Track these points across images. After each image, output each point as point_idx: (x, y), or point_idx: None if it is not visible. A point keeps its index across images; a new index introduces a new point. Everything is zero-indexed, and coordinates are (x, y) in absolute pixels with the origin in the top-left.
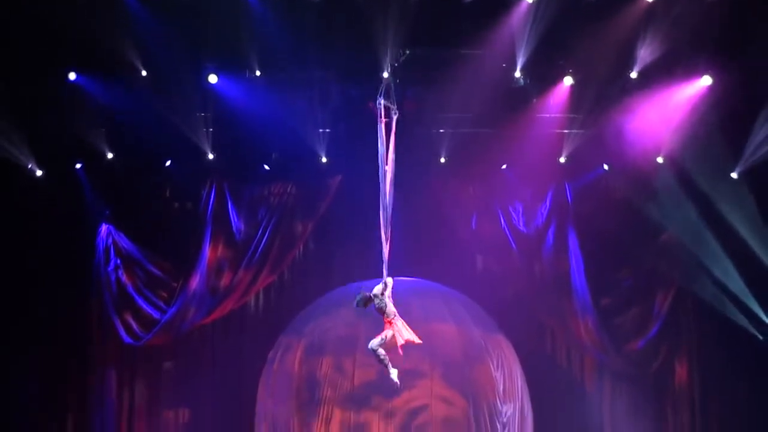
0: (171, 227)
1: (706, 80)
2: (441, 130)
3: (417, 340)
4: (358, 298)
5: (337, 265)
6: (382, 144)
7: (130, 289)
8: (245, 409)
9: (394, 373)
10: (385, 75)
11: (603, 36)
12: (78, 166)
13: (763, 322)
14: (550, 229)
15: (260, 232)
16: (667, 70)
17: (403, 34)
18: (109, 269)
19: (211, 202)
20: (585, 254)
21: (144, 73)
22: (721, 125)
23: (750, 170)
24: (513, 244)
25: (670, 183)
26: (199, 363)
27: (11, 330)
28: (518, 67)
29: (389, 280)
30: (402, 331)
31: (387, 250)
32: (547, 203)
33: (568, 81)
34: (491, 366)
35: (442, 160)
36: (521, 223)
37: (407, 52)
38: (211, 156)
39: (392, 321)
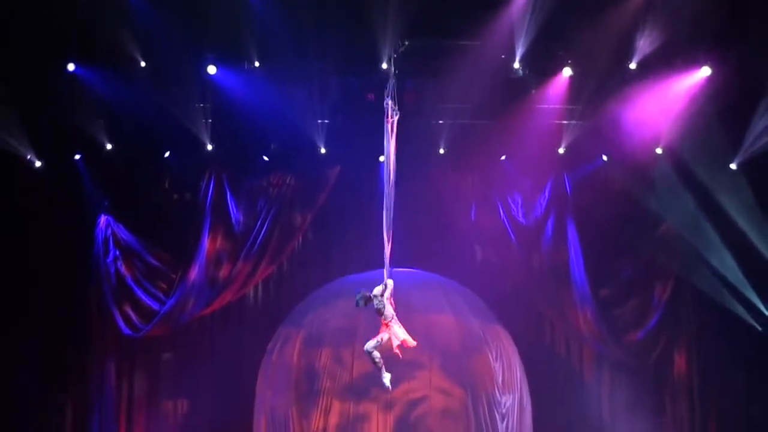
0: (170, 218)
1: (705, 71)
2: (440, 121)
3: (412, 343)
4: (358, 297)
5: (335, 256)
6: (389, 144)
7: (129, 280)
8: (244, 401)
9: (386, 378)
10: (384, 66)
11: (602, 27)
12: (77, 157)
13: (762, 312)
14: (549, 220)
15: (259, 223)
16: (666, 61)
17: (402, 24)
18: (108, 260)
19: (210, 193)
20: (584, 245)
21: (143, 64)
22: (720, 116)
23: (749, 161)
24: (512, 236)
25: (668, 174)
26: (198, 354)
27: (11, 321)
28: (517, 58)
29: (390, 282)
30: (398, 334)
31: (389, 251)
32: (546, 194)
33: (567, 72)
34: (490, 357)
35: (442, 151)
36: (520, 215)
37: (406, 42)
38: (210, 147)
39: (389, 324)
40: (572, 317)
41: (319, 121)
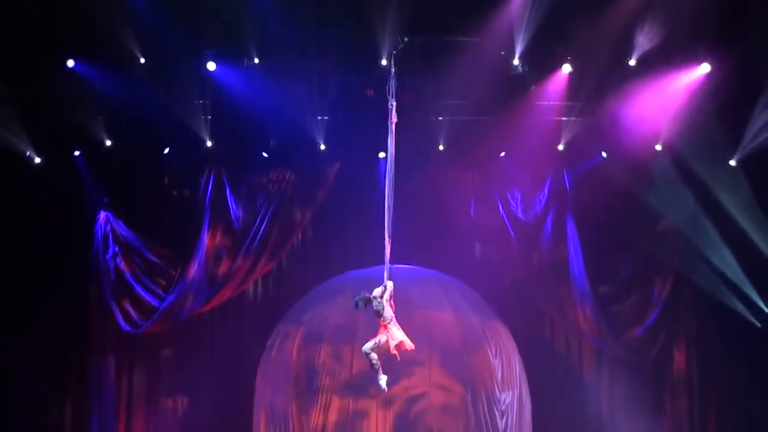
0: (169, 215)
1: (704, 68)
2: (440, 118)
3: (410, 346)
4: (357, 298)
5: (335, 253)
6: (392, 145)
7: (129, 276)
8: (243, 397)
9: (383, 380)
10: (384, 63)
11: (602, 23)
12: (76, 153)
13: (761, 309)
14: (548, 217)
15: (259, 219)
16: (666, 57)
17: (402, 21)
18: (108, 257)
19: (209, 190)
20: (583, 242)
21: (142, 60)
22: (720, 113)
23: (748, 158)
24: (511, 232)
25: (668, 171)
26: (197, 350)
27: (10, 318)
28: (517, 55)
29: (389, 284)
30: (396, 336)
31: (389, 251)
32: (546, 191)
33: (566, 68)
34: (489, 354)
35: (441, 147)
36: (520, 211)
37: (406, 39)
38: (209, 143)
39: (388, 326)
40: (572, 314)
41: (319, 117)
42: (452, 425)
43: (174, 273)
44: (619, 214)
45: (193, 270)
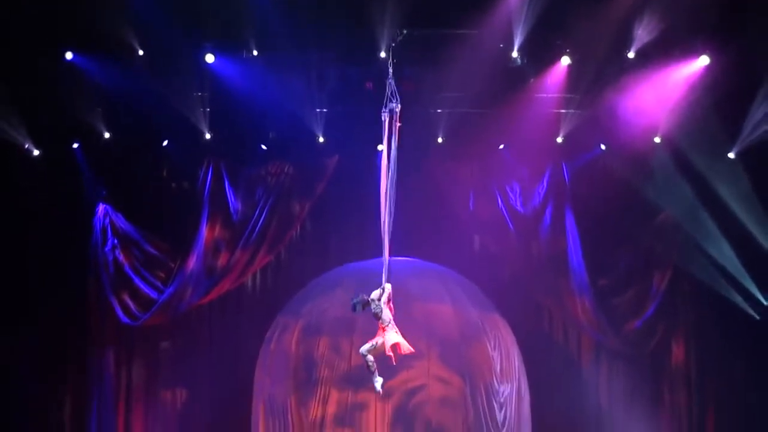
0: (168, 207)
1: (703, 60)
2: (438, 110)
3: (407, 349)
4: (355, 301)
5: (334, 246)
6: (394, 149)
7: (128, 269)
8: (242, 389)
9: (378, 382)
10: (383, 55)
11: (600, 15)
12: (75, 146)
13: (760, 301)
14: (547, 209)
15: (257, 212)
16: (665, 49)
17: (401, 14)
18: (106, 249)
19: (208, 182)
20: (582, 234)
21: (141, 52)
22: (719, 105)
23: (747, 150)
24: (510, 224)
25: (667, 163)
26: (196, 343)
27: (9, 311)
28: (515, 47)
29: (388, 287)
30: (393, 339)
31: (387, 252)
32: (545, 183)
33: (565, 61)
34: (488, 346)
35: (440, 140)
36: (518, 203)
37: (404, 32)
38: (208, 136)
39: (386, 328)
40: (570, 306)
41: (318, 110)
42: (451, 417)
43: (173, 265)
44: (617, 206)
45: (192, 262)
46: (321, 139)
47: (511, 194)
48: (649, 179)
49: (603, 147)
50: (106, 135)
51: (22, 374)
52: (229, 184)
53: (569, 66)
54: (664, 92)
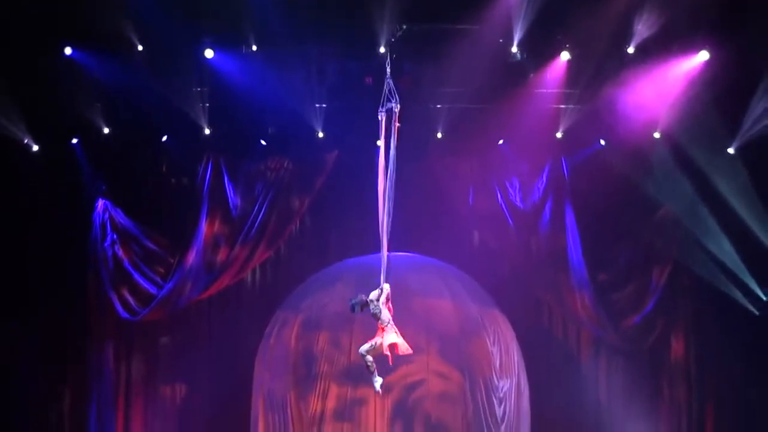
0: (168, 203)
1: (703, 55)
2: (438, 106)
3: (405, 350)
4: (354, 302)
5: (333, 241)
6: (393, 154)
7: (127, 264)
8: (242, 384)
9: (378, 382)
10: (382, 50)
11: (600, 11)
12: (74, 141)
13: (759, 297)
14: (546, 205)
15: (257, 207)
16: (665, 45)
17: (400, 9)
18: (106, 244)
19: (207, 178)
20: (582, 230)
21: (140, 47)
22: (718, 100)
23: (747, 145)
24: (510, 220)
25: (666, 158)
26: (195, 338)
27: (8, 306)
28: (515, 42)
29: (386, 287)
30: (392, 339)
31: (386, 252)
32: (544, 179)
33: (565, 56)
34: (488, 341)
35: (439, 135)
36: (518, 199)
37: (404, 27)
38: (207, 131)
39: (385, 329)
40: (570, 301)
41: (317, 105)
42: (450, 412)
43: (172, 261)
44: (617, 201)
45: (192, 258)
46: (320, 134)
47: (510, 189)
48: (648, 175)
49: (603, 142)
50: (106, 130)
51: (21, 369)
52: (228, 179)
53: (569, 61)
54: (663, 87)
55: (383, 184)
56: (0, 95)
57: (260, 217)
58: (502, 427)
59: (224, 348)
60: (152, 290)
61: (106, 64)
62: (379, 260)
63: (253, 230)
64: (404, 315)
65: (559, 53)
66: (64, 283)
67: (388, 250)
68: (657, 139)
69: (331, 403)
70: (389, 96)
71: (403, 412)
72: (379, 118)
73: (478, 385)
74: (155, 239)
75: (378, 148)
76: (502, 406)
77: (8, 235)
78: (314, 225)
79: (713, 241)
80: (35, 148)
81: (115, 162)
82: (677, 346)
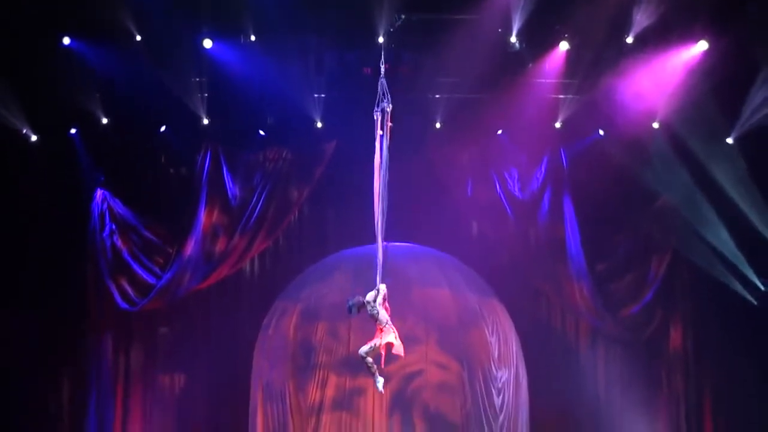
0: (166, 192)
1: (702, 45)
2: (437, 96)
3: (399, 351)
4: (351, 303)
5: (332, 231)
6: (386, 153)
7: (126, 254)
8: (241, 374)
9: (380, 382)
10: (381, 40)
11: (599, 0)
12: (73, 131)
13: (757, 287)
14: (545, 195)
15: (255, 197)
16: (664, 35)
17: None
18: (105, 235)
19: (206, 168)
20: (580, 220)
21: (139, 38)
22: (717, 90)
23: (745, 135)
24: (508, 210)
25: (665, 148)
26: (194, 328)
27: (6, 297)
28: (514, 32)
29: (382, 287)
30: (389, 339)
31: (381, 251)
32: (543, 169)
33: (564, 46)
34: (486, 331)
35: (438, 125)
36: (517, 189)
37: (402, 17)
38: (206, 121)
39: (383, 329)
40: (568, 291)
41: (316, 95)
42: (449, 403)
43: (171, 251)
44: (616, 192)
45: (190, 248)
46: (319, 125)
47: (509, 180)
48: (647, 165)
49: (601, 132)
50: (104, 120)
51: (20, 359)
52: (227, 169)
53: (568, 51)
54: (662, 77)
55: (378, 182)
56: None
57: (259, 207)
58: (501, 417)
59: (223, 338)
60: (151, 280)
61: (105, 55)
62: (377, 251)
63: (252, 220)
64: (403, 305)
65: (557, 43)
66: (63, 273)
67: (386, 240)
68: (656, 129)
69: (329, 393)
70: (382, 97)
71: (401, 402)
72: (375, 117)
73: (476, 375)
74: (154, 229)
75: (375, 139)
76: (501, 396)
77: (7, 226)
78: (313, 215)
79: (712, 232)
80: (34, 138)
81: (114, 152)
82: (675, 336)
